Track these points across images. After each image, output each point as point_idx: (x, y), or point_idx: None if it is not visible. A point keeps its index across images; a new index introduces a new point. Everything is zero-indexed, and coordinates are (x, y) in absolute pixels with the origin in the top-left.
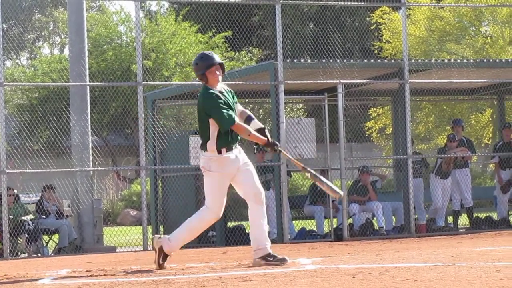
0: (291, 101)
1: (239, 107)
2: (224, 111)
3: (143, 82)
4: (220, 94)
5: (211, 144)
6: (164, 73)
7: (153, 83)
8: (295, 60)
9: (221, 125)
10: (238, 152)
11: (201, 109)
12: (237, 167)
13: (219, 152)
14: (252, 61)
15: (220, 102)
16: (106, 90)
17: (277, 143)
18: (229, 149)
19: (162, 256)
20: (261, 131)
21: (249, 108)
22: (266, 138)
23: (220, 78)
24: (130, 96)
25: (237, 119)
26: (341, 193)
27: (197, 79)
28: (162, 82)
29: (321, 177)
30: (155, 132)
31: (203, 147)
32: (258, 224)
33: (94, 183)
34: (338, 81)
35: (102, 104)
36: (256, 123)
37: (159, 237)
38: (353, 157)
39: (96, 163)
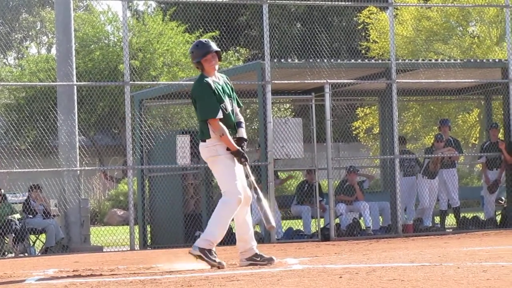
0: (278, 101)
1: (235, 108)
2: (208, 101)
3: (130, 82)
4: (212, 83)
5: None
6: (151, 73)
7: (140, 82)
8: (282, 60)
9: (199, 114)
10: None
11: (192, 96)
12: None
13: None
14: (239, 61)
15: (209, 92)
16: (93, 89)
17: (247, 157)
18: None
19: (208, 253)
20: (240, 140)
21: None
22: (237, 147)
23: (216, 66)
24: (117, 95)
25: (219, 115)
26: (274, 225)
27: (184, 79)
28: (149, 82)
29: (265, 203)
30: (142, 132)
31: (205, 135)
32: (244, 225)
33: (81, 183)
34: (325, 81)
35: (89, 103)
36: (241, 132)
37: (192, 247)
38: (340, 157)
39: (83, 162)
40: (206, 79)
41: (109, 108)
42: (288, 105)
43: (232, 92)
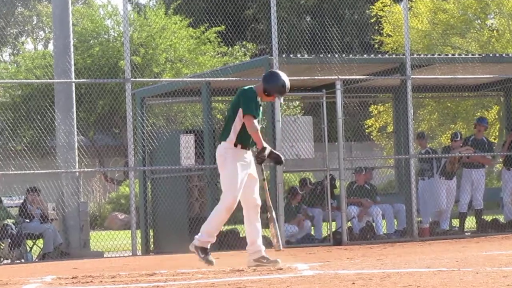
0: (287, 98)
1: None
2: (253, 102)
3: (132, 79)
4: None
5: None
6: (154, 70)
7: (142, 80)
8: (291, 55)
9: (243, 108)
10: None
11: (235, 102)
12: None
13: (235, 146)
14: (246, 56)
15: (256, 99)
16: (93, 87)
17: (265, 157)
18: (244, 147)
19: (200, 250)
20: (272, 151)
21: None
22: (265, 144)
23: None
24: (118, 93)
25: (256, 120)
26: (280, 248)
27: (188, 75)
28: (151, 79)
29: (276, 223)
30: (144, 132)
31: (227, 136)
32: (255, 229)
33: (80, 185)
34: (336, 77)
35: (89, 102)
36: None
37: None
38: (352, 157)
39: (83, 164)
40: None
41: (109, 107)
42: (297, 102)
43: (261, 114)
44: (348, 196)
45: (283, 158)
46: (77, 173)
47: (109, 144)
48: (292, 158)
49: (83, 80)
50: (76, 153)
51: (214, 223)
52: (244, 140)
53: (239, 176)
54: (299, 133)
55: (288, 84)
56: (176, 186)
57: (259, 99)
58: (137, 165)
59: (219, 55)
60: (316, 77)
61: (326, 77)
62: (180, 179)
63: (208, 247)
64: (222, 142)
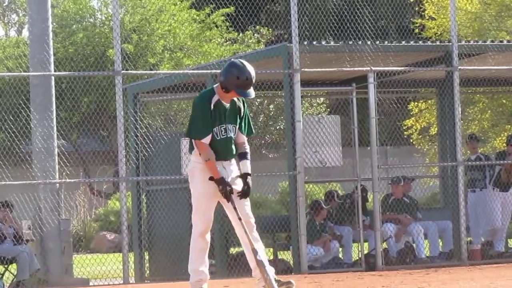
0: (309, 94)
1: (240, 134)
2: (200, 120)
3: (123, 71)
4: (213, 103)
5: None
6: (149, 60)
7: (135, 72)
8: (314, 42)
9: (186, 130)
10: (228, 164)
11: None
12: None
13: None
14: (261, 43)
15: (206, 110)
16: (76, 81)
17: (231, 194)
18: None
19: None
20: (244, 176)
21: (256, 103)
22: (219, 176)
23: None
24: (106, 88)
25: (206, 140)
26: None
27: (190, 66)
28: (146, 71)
29: (264, 266)
30: (138, 135)
31: (191, 149)
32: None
33: (61, 199)
34: (369, 68)
35: (71, 99)
36: (245, 164)
37: None
38: (388, 164)
39: (64, 173)
40: (212, 97)
41: (96, 105)
42: (322, 99)
43: (239, 117)
44: (383, 211)
45: (248, 187)
46: (58, 184)
47: (96, 150)
48: (316, 166)
49: (65, 73)
50: (56, 161)
51: (194, 256)
52: (213, 151)
53: (205, 196)
54: (324, 136)
55: (247, 75)
56: (176, 200)
57: (223, 102)
58: (130, 175)
59: (227, 43)
60: (344, 69)
61: (356, 69)
62: (180, 191)
63: (204, 286)
64: (191, 156)
